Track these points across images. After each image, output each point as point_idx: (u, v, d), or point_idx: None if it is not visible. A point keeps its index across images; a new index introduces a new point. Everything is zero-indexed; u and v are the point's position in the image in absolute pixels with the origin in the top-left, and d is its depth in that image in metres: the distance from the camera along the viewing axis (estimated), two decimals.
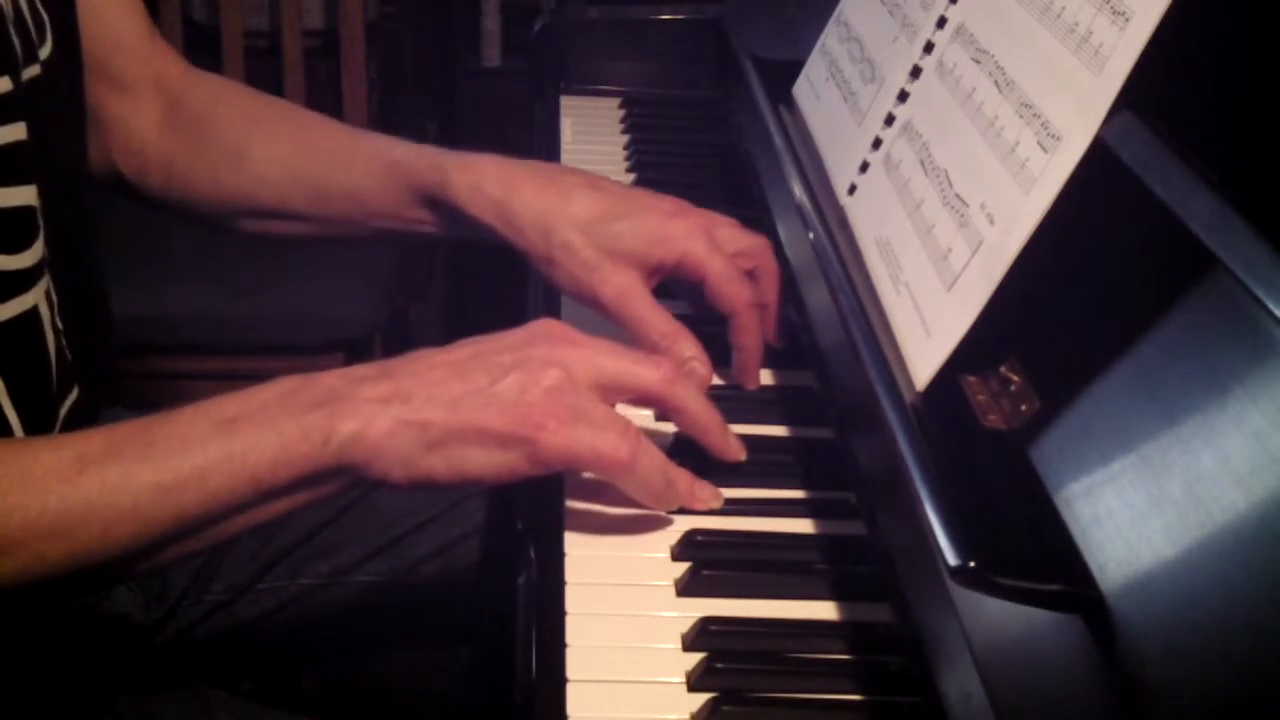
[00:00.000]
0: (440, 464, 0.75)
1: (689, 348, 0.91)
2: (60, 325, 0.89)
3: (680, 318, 0.95)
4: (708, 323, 0.95)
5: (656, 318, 0.91)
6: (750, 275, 0.96)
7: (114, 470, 0.72)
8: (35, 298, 0.85)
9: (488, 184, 0.96)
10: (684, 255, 0.93)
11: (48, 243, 0.87)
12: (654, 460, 0.79)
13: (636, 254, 0.93)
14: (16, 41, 0.85)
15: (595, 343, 0.80)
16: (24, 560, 0.71)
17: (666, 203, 0.96)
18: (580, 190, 0.95)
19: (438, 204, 0.99)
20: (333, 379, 0.76)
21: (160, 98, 1.07)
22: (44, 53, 0.89)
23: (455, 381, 0.76)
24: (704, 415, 0.82)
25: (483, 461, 0.75)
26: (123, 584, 1.03)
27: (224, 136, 1.06)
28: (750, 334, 0.94)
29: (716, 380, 0.95)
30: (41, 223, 0.86)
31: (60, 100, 0.93)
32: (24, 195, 0.84)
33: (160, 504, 0.72)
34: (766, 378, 0.98)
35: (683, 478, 0.81)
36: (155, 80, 1.07)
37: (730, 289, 0.93)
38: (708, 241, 0.94)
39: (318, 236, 1.07)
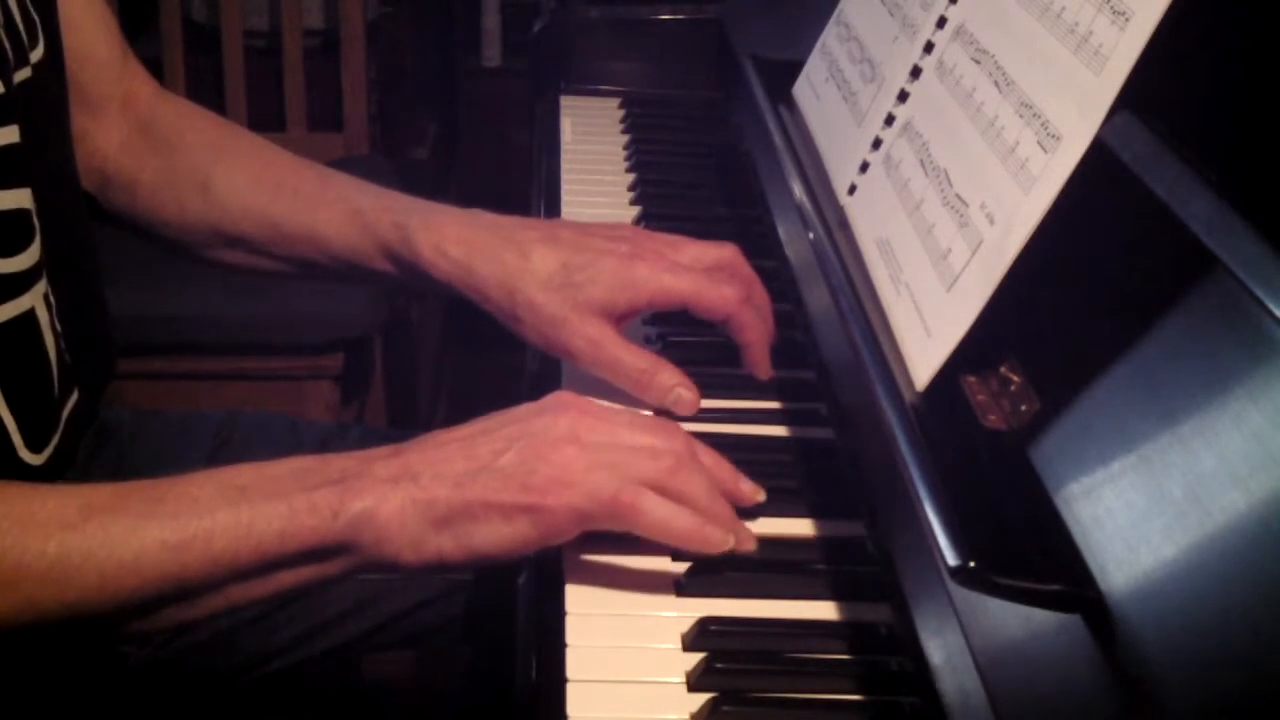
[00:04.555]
0: (449, 542, 0.75)
1: (670, 377, 0.91)
2: (59, 328, 0.89)
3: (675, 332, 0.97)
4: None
5: (632, 357, 0.92)
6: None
7: (119, 522, 0.72)
8: (32, 300, 0.85)
9: (450, 246, 0.96)
10: (653, 294, 0.93)
11: (44, 246, 0.87)
12: (662, 505, 0.77)
13: (602, 303, 0.92)
14: (7, 45, 0.85)
15: (610, 412, 0.81)
16: (14, 603, 0.71)
17: (623, 243, 0.96)
18: (538, 246, 0.95)
19: (400, 260, 0.98)
20: (346, 460, 0.77)
21: (127, 117, 1.07)
22: (35, 55, 0.89)
23: (460, 459, 0.76)
24: (721, 482, 0.81)
25: (491, 537, 0.75)
26: (117, 643, 1.02)
27: (190, 163, 1.06)
28: (750, 329, 0.94)
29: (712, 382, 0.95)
30: (38, 226, 0.86)
31: (53, 103, 0.93)
32: (18, 199, 0.84)
33: (162, 561, 0.72)
34: None
35: (692, 521, 0.78)
36: (124, 99, 1.07)
37: (712, 298, 0.93)
38: (671, 271, 0.93)
39: (283, 274, 1.07)
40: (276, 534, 0.73)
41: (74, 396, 0.91)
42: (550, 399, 0.81)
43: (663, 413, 0.91)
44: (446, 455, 0.76)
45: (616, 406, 0.86)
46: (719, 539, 0.78)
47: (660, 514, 0.76)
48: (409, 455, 0.77)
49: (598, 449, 0.77)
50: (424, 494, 0.74)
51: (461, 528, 0.75)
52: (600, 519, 0.76)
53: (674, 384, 0.91)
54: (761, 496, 0.83)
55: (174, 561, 0.72)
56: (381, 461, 0.76)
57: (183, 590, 0.74)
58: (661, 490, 0.77)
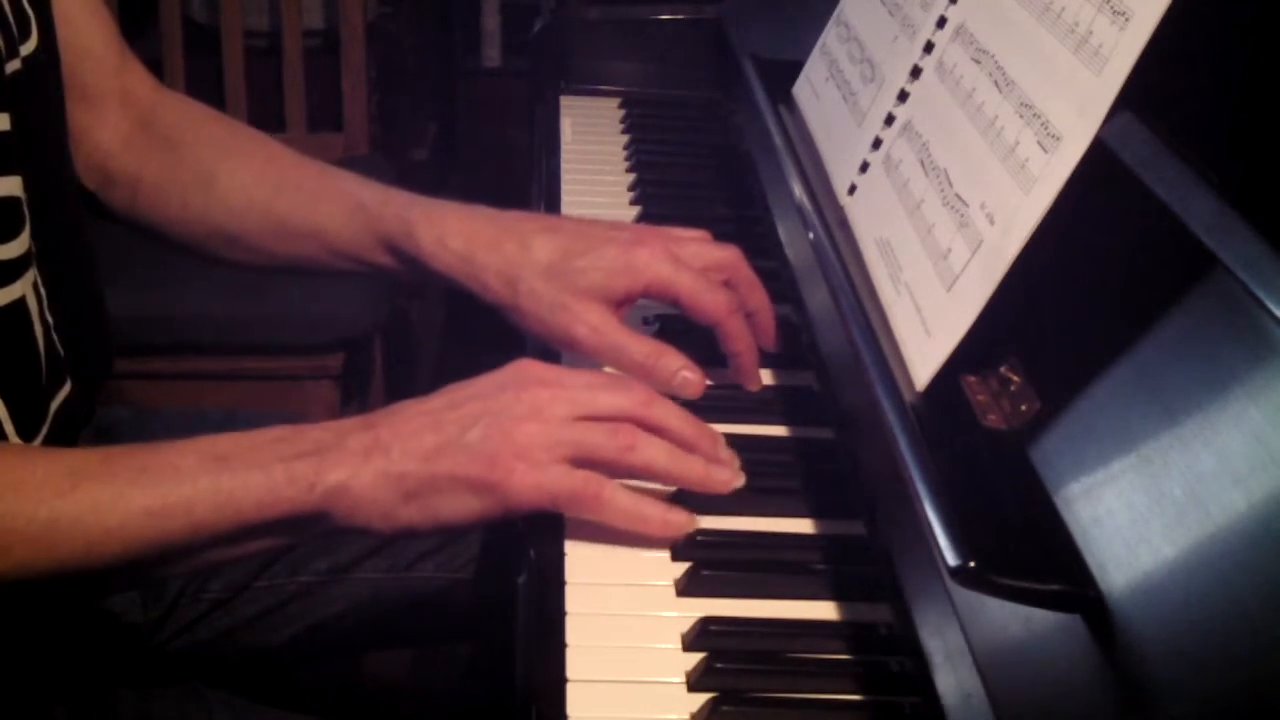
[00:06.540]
0: (417, 514, 0.77)
1: (674, 360, 0.91)
2: (50, 319, 0.89)
3: (674, 317, 0.97)
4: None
5: (635, 342, 0.92)
6: (727, 285, 0.96)
7: (105, 489, 0.74)
8: (22, 289, 0.86)
9: (451, 238, 0.96)
10: (650, 281, 0.93)
11: (35, 235, 0.87)
12: (624, 494, 0.79)
13: (601, 288, 0.93)
14: None
15: (569, 377, 0.82)
16: (7, 565, 0.73)
17: (625, 232, 0.97)
18: (538, 235, 0.95)
19: (401, 253, 0.99)
20: (320, 431, 0.79)
21: (127, 113, 1.07)
22: (27, 48, 0.89)
23: (429, 432, 0.78)
24: (688, 431, 0.82)
25: (456, 508, 0.77)
26: (98, 599, 1.03)
27: (193, 160, 1.06)
28: (739, 340, 0.94)
29: (712, 381, 0.95)
30: (28, 214, 0.86)
31: (46, 95, 0.93)
32: (8, 186, 0.85)
33: (145, 528, 0.75)
34: (766, 378, 0.98)
35: (655, 508, 0.81)
36: (122, 94, 1.07)
37: (705, 300, 0.93)
38: (672, 262, 0.93)
39: (281, 269, 1.07)
40: (255, 504, 0.76)
41: (65, 389, 0.91)
42: (511, 371, 0.82)
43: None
44: (416, 430, 0.78)
45: (574, 371, 0.85)
46: (680, 523, 0.80)
47: (622, 505, 0.79)
48: (380, 429, 0.78)
49: (559, 425, 0.78)
50: (395, 467, 0.76)
51: (429, 500, 0.77)
52: (566, 507, 0.78)
53: (678, 367, 0.91)
54: (739, 482, 0.83)
55: (156, 528, 0.75)
56: (355, 434, 0.78)
57: (165, 554, 0.77)
58: (622, 467, 0.79)
